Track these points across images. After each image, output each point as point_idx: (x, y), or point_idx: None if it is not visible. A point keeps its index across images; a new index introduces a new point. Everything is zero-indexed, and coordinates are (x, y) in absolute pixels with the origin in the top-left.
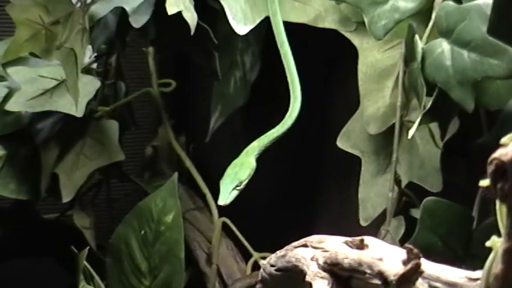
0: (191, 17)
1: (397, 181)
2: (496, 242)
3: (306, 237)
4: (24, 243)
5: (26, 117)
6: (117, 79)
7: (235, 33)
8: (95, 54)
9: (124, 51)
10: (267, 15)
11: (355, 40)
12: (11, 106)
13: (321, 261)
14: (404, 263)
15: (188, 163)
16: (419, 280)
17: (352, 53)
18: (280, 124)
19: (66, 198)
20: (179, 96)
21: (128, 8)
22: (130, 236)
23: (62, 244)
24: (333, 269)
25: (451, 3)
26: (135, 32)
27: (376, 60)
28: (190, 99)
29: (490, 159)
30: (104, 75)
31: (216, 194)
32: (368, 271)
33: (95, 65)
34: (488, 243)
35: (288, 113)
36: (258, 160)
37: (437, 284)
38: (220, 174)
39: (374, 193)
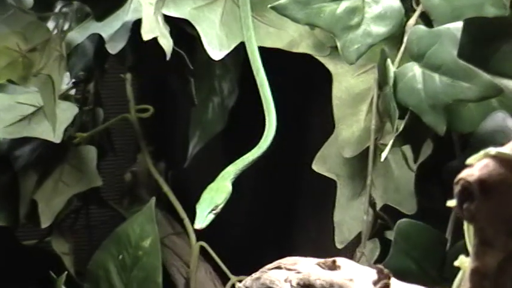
0: (167, 43)
1: (372, 204)
2: (463, 262)
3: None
4: (3, 270)
5: (4, 143)
6: (95, 105)
7: (213, 59)
8: (73, 80)
9: (102, 78)
10: (242, 41)
11: (330, 65)
12: None
13: (294, 283)
14: (375, 283)
15: (166, 188)
16: None
17: (328, 78)
18: (256, 148)
19: (44, 224)
20: (158, 122)
21: (104, 35)
22: (109, 262)
23: (41, 270)
24: None
25: (422, 27)
26: (113, 59)
27: (350, 85)
28: (169, 125)
29: (456, 180)
30: (82, 102)
31: (194, 219)
32: None
33: (73, 92)
34: (456, 263)
35: (263, 137)
36: (234, 184)
37: None
38: (199, 199)
39: (349, 216)
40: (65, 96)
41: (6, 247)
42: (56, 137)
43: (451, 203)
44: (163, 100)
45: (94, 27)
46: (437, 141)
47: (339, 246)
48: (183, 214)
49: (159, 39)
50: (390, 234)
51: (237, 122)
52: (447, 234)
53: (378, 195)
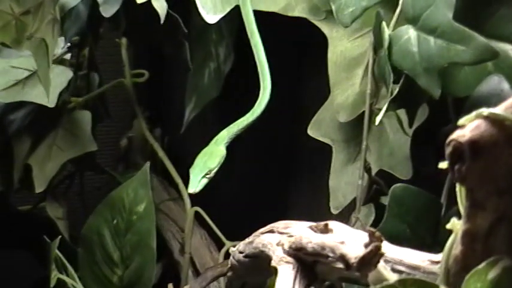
0: (161, 6)
1: (367, 169)
2: (455, 224)
3: None
4: None
5: None
6: (90, 70)
7: (209, 25)
8: (68, 45)
9: (97, 43)
10: (237, 4)
11: (325, 29)
12: None
13: (286, 247)
14: (366, 246)
15: (161, 154)
16: (382, 263)
17: (323, 42)
18: (250, 112)
19: (39, 188)
20: (154, 88)
21: None
22: (103, 226)
23: (36, 235)
24: (297, 253)
25: None
26: (108, 23)
27: (345, 48)
28: (165, 91)
29: (447, 141)
30: (77, 66)
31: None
32: (331, 255)
33: (68, 56)
34: (448, 226)
35: (257, 102)
36: (229, 149)
37: (400, 267)
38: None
39: (344, 181)
40: (60, 61)
41: (1, 212)
42: (50, 102)
43: (443, 164)
44: (159, 65)
45: None
46: (433, 106)
47: (334, 211)
48: (178, 179)
49: (152, 2)
50: (385, 200)
51: (233, 87)
52: (442, 199)
53: (373, 160)
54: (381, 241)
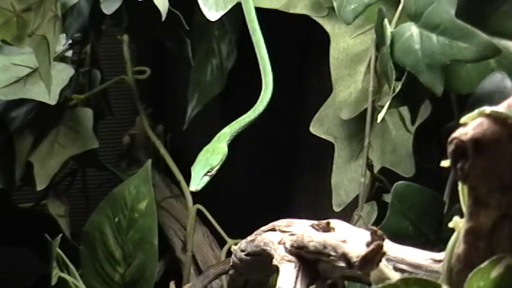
0: (162, 3)
1: (370, 166)
2: (458, 223)
3: None
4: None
5: None
6: (92, 67)
7: (211, 21)
8: (70, 42)
9: (99, 39)
10: (239, 1)
11: (327, 26)
12: None
13: (288, 245)
14: (368, 244)
15: (163, 151)
16: (385, 262)
17: (325, 39)
18: (252, 110)
19: (40, 186)
20: (157, 84)
21: None
22: (104, 224)
23: (37, 233)
24: (299, 252)
25: None
26: (109, 20)
27: (348, 45)
28: (168, 87)
29: (450, 139)
30: (78, 63)
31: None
32: (332, 253)
33: (69, 53)
34: (450, 224)
35: (259, 99)
36: (232, 147)
37: (403, 266)
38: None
39: (347, 179)
40: (62, 58)
41: (2, 209)
42: (52, 99)
43: (445, 162)
44: (161, 62)
45: None
46: (436, 103)
47: (336, 209)
48: (179, 176)
49: None
50: (388, 197)
51: (235, 84)
52: (445, 197)
53: (376, 157)
54: (383, 240)
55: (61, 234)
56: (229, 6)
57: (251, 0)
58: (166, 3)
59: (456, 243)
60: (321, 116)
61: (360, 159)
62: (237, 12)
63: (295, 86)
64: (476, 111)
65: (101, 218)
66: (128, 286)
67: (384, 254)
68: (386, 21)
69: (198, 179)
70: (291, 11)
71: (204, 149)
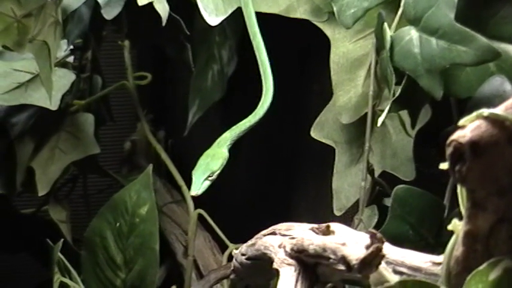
0: (162, 8)
1: (370, 171)
2: (457, 226)
3: None
4: (0, 238)
5: (0, 111)
6: (93, 73)
7: (212, 27)
8: (71, 47)
9: (100, 45)
10: (239, 6)
11: (327, 30)
12: None
13: (288, 249)
14: (367, 247)
15: (164, 156)
16: (384, 265)
17: (325, 43)
18: (252, 114)
19: (41, 192)
20: (157, 90)
21: (100, 0)
22: (105, 229)
23: (38, 238)
24: (299, 255)
25: None
26: (110, 26)
27: (348, 50)
28: (168, 93)
29: (448, 141)
30: (79, 69)
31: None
32: (332, 256)
33: (71, 59)
34: (449, 227)
35: (260, 103)
36: (233, 151)
37: (402, 269)
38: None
39: (347, 183)
40: (62, 64)
41: (3, 215)
42: (53, 104)
43: (444, 165)
44: (162, 68)
45: None
46: (436, 107)
47: (337, 213)
48: (181, 182)
49: (154, 4)
50: (388, 201)
51: (236, 90)
52: (445, 201)
53: (376, 161)
54: (382, 242)
55: (62, 240)
56: (230, 11)
57: (251, 4)
58: (167, 8)
59: (455, 245)
60: (322, 121)
61: (361, 163)
62: (237, 18)
63: (296, 91)
64: (474, 114)
65: (102, 223)
66: None
67: (383, 256)
68: (386, 25)
69: (199, 184)
70: (291, 16)
71: (205, 154)
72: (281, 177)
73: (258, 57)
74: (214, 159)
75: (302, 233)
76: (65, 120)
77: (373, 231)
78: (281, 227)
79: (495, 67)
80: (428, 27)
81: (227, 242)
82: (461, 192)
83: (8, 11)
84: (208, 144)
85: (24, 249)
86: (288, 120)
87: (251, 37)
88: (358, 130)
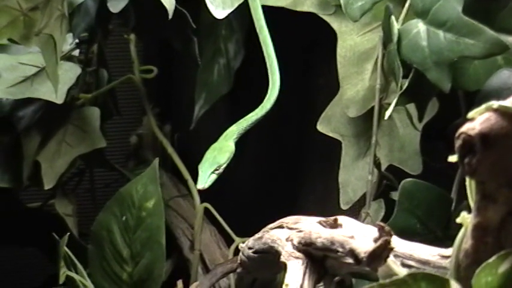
0: (169, 2)
1: (377, 164)
2: (466, 218)
3: None
4: (7, 232)
5: (6, 104)
6: (99, 66)
7: (218, 20)
8: (77, 41)
9: (106, 39)
10: (246, 0)
11: (334, 23)
12: None
13: (295, 242)
14: (376, 240)
15: (170, 150)
16: (392, 258)
17: (332, 37)
18: (259, 108)
19: (48, 185)
20: (164, 84)
21: None
22: (112, 223)
23: (45, 232)
24: (307, 249)
25: None
26: (116, 19)
27: (355, 43)
28: (175, 87)
29: (457, 134)
30: (85, 63)
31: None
32: (340, 249)
33: (76, 52)
34: (458, 220)
35: (266, 97)
36: (240, 145)
37: (410, 262)
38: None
39: (354, 177)
40: (68, 57)
41: (10, 209)
42: (59, 98)
43: (453, 158)
44: (169, 61)
45: None
46: (443, 100)
47: (344, 207)
48: (187, 175)
49: None
50: (395, 195)
51: (242, 84)
52: (452, 194)
53: (383, 154)
54: (391, 235)
55: (69, 234)
56: (236, 4)
57: None
58: (173, 2)
59: (464, 238)
60: (328, 114)
61: (367, 157)
62: (244, 11)
63: (303, 84)
64: (483, 106)
65: (109, 217)
66: (135, 285)
67: (392, 249)
68: (393, 18)
69: (206, 177)
70: (298, 9)
71: (211, 147)
72: (287, 171)
73: (264, 50)
74: (221, 152)
75: (310, 226)
76: (71, 114)
77: (382, 224)
78: (288, 220)
79: (503, 60)
80: (436, 20)
81: (233, 235)
82: (470, 184)
83: (15, 4)
84: (214, 138)
85: (31, 243)
86: (294, 114)
87: (257, 31)
88: (365, 124)
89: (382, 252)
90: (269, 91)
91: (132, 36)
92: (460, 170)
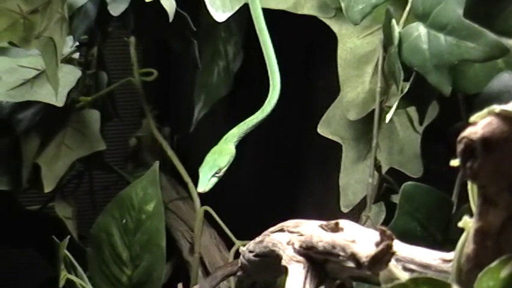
0: (169, 5)
1: (378, 167)
2: (467, 223)
3: None
4: (6, 234)
5: (6, 107)
6: (98, 69)
7: (217, 23)
8: (76, 44)
9: (105, 41)
10: (246, 3)
11: (334, 26)
12: None
13: (296, 245)
14: (377, 244)
15: (170, 152)
16: (394, 262)
17: (332, 40)
18: (260, 111)
19: (47, 188)
20: (163, 86)
21: None
22: (111, 225)
23: (44, 235)
24: (308, 252)
25: None
26: (116, 22)
27: (355, 46)
28: (174, 89)
29: (459, 138)
30: (85, 65)
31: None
32: (341, 253)
33: (76, 55)
34: (460, 224)
35: (267, 100)
36: (240, 148)
37: (412, 266)
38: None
39: (354, 180)
40: (68, 60)
41: (9, 211)
42: (59, 101)
43: (455, 162)
44: (168, 64)
45: None
46: (443, 104)
47: (344, 210)
48: (187, 178)
49: (161, 0)
50: (396, 198)
51: (242, 86)
52: (453, 197)
53: (383, 157)
54: (392, 239)
55: (68, 236)
56: (236, 7)
57: (258, 0)
58: (174, 5)
59: (466, 243)
60: (329, 117)
61: (368, 160)
62: (243, 13)
63: (303, 87)
64: (485, 110)
65: (108, 220)
66: None
67: (393, 253)
68: (394, 21)
69: (206, 180)
70: (299, 12)
71: (212, 150)
72: (287, 174)
73: (264, 52)
74: (221, 155)
75: (311, 230)
76: (71, 117)
77: (383, 228)
78: (289, 223)
79: (503, 63)
80: (436, 23)
81: (233, 238)
82: (471, 189)
83: (14, 7)
84: (214, 141)
85: (30, 246)
86: (295, 117)
87: (258, 33)
88: (365, 127)
89: (383, 256)
90: (270, 94)
91: (132, 39)
92: (461, 174)
